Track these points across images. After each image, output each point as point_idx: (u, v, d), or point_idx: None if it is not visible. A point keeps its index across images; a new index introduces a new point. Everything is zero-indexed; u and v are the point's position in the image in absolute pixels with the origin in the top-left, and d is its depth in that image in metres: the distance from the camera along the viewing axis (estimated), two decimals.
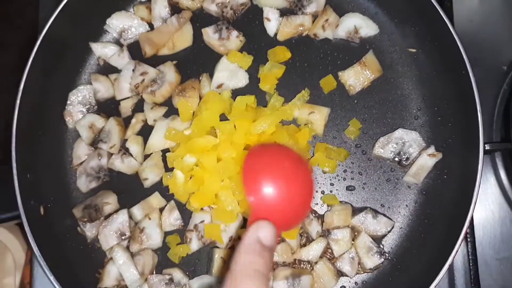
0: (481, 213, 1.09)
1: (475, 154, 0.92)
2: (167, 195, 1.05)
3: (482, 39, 1.16)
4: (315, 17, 1.09)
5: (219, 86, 1.07)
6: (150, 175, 1.05)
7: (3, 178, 0.99)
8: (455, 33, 0.95)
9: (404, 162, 1.04)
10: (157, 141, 1.06)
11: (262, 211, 0.70)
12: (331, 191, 1.04)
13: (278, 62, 1.08)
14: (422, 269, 0.97)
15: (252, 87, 1.07)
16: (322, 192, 1.04)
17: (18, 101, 0.98)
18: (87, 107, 1.09)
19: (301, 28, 1.08)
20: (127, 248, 1.03)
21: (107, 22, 1.10)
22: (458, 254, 1.03)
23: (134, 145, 1.06)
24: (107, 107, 1.10)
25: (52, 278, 0.92)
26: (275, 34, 1.10)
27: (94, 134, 1.07)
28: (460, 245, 0.90)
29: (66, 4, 1.01)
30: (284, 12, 1.10)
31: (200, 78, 1.09)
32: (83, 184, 1.06)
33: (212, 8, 1.10)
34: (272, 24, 1.09)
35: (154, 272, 1.03)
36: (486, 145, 0.98)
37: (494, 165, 1.12)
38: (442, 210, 1.00)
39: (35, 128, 1.04)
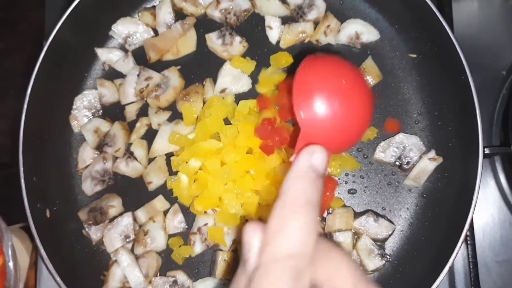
0: (481, 216, 1.11)
1: (474, 158, 0.94)
2: (171, 198, 1.06)
3: (482, 44, 1.17)
4: (316, 23, 1.11)
5: (223, 91, 1.09)
6: (154, 178, 1.06)
7: (10, 181, 1.01)
8: (455, 39, 0.96)
9: (404, 166, 1.05)
10: (161, 145, 1.07)
11: (314, 131, 0.62)
12: None
13: (280, 67, 1.09)
14: (423, 271, 0.98)
15: (255, 92, 1.09)
16: None
17: (25, 106, 0.99)
18: (92, 111, 1.11)
19: (303, 35, 1.10)
20: (132, 250, 1.05)
21: (112, 28, 1.12)
22: (458, 257, 1.05)
23: (139, 149, 1.08)
24: (112, 112, 1.11)
25: (58, 279, 0.93)
26: (277, 42, 1.12)
27: (99, 138, 1.09)
28: (460, 247, 0.91)
29: (73, 11, 1.02)
30: (286, 20, 1.12)
31: (204, 83, 1.10)
32: (88, 187, 1.07)
33: (216, 14, 1.12)
34: (274, 32, 1.11)
35: (158, 274, 1.04)
36: (485, 149, 1.00)
37: (494, 169, 1.13)
38: (443, 213, 1.01)
39: (42, 132, 1.05)
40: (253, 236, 0.54)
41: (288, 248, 0.52)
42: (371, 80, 1.08)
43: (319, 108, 0.62)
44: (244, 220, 1.03)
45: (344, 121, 0.63)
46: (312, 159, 0.58)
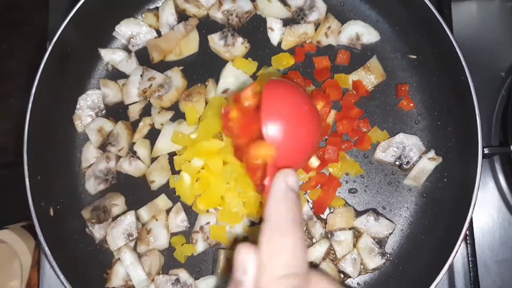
0: (480, 216, 1.12)
1: (474, 158, 0.95)
2: (174, 197, 1.07)
3: (481, 45, 1.18)
4: (317, 25, 1.12)
5: (225, 91, 1.10)
6: (157, 177, 1.07)
7: (14, 181, 1.02)
8: (454, 40, 0.97)
9: (404, 166, 1.06)
10: (164, 144, 1.08)
11: (283, 153, 0.66)
12: None
13: (282, 68, 1.10)
14: (422, 270, 0.99)
15: None
16: None
17: (29, 106, 1.00)
18: (96, 111, 1.12)
19: (304, 36, 1.11)
20: (134, 249, 1.06)
21: (116, 29, 1.13)
22: (458, 256, 1.06)
23: (142, 148, 1.09)
24: (116, 111, 1.13)
25: (62, 277, 0.94)
26: (279, 43, 1.13)
27: (103, 137, 1.10)
28: (459, 246, 0.92)
29: (77, 12, 1.04)
30: (287, 22, 1.13)
31: (206, 83, 1.12)
32: (92, 186, 1.09)
33: (218, 16, 1.13)
34: (276, 33, 1.12)
35: (161, 273, 1.05)
36: (484, 149, 1.01)
37: (493, 169, 1.14)
38: (442, 213, 1.02)
39: (46, 132, 1.06)
40: (247, 258, 0.57)
41: (286, 269, 0.55)
42: (374, 79, 1.09)
43: (287, 134, 0.66)
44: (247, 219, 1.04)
45: (305, 141, 0.70)
46: (288, 181, 0.62)
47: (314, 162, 1.03)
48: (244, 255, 0.57)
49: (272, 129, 0.66)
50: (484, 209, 1.12)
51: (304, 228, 1.04)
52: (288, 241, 0.56)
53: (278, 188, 0.61)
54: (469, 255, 1.04)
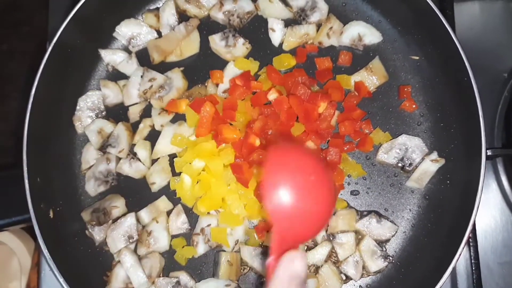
0: (483, 218, 1.11)
1: (477, 160, 0.94)
2: (174, 199, 1.06)
3: (483, 47, 1.18)
4: (319, 26, 1.12)
5: (226, 92, 1.09)
6: (158, 179, 1.06)
7: (14, 182, 1.01)
8: (457, 41, 0.97)
9: (407, 168, 1.05)
10: (164, 146, 1.07)
11: (289, 226, 0.62)
12: None
13: (283, 69, 1.10)
14: (425, 272, 0.98)
15: None
16: None
17: (29, 107, 0.99)
18: (96, 112, 1.11)
19: (306, 37, 1.10)
20: (135, 251, 1.05)
21: (116, 30, 1.13)
22: (460, 259, 1.04)
23: (142, 150, 1.08)
24: (116, 113, 1.12)
25: (62, 280, 0.93)
26: (280, 44, 1.12)
27: (103, 139, 1.09)
28: (463, 248, 0.91)
29: (77, 12, 1.03)
30: (288, 22, 1.12)
31: (207, 84, 1.11)
32: (92, 188, 1.08)
33: (219, 16, 1.12)
34: (277, 34, 1.12)
35: (161, 275, 1.04)
36: (487, 151, 1.00)
37: (496, 171, 1.13)
38: (445, 215, 1.02)
39: (45, 133, 1.05)
40: None
41: None
42: (376, 80, 1.08)
43: (287, 202, 0.61)
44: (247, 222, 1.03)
45: (314, 213, 0.64)
46: (293, 267, 0.57)
47: None
48: None
49: (274, 203, 0.61)
50: (487, 211, 1.11)
51: None
52: None
53: (283, 276, 0.56)
54: (472, 257, 1.03)
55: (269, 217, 0.62)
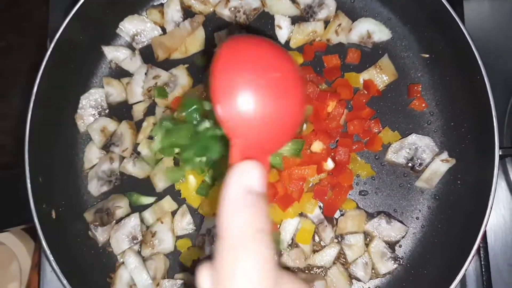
0: (492, 219, 1.09)
1: (490, 160, 0.92)
2: (179, 199, 1.04)
3: (492, 44, 1.16)
4: (326, 23, 1.10)
5: None
6: (162, 179, 1.04)
7: (14, 182, 0.99)
8: (470, 38, 0.95)
9: (417, 168, 1.04)
10: None
11: (249, 136, 0.51)
12: None
13: None
14: (436, 275, 0.97)
15: None
16: None
17: (31, 105, 0.97)
18: (98, 110, 1.09)
19: (314, 34, 1.08)
20: (139, 252, 1.03)
21: (119, 26, 1.10)
22: None
23: (146, 149, 1.06)
24: (119, 111, 1.10)
25: (65, 282, 0.91)
26: (286, 41, 1.10)
27: (106, 137, 1.07)
28: (475, 251, 0.89)
29: (79, 8, 1.01)
30: (296, 19, 1.10)
31: None
32: (95, 187, 1.06)
33: (225, 13, 1.10)
34: (284, 31, 1.10)
35: (166, 277, 1.02)
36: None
37: (505, 171, 1.12)
38: (456, 216, 1.00)
39: (47, 132, 1.03)
40: (204, 284, 0.46)
41: None
42: (385, 78, 1.06)
43: (246, 105, 0.49)
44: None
45: (280, 117, 0.52)
46: (245, 180, 0.46)
47: (330, 164, 1.00)
48: (201, 280, 0.46)
49: (228, 107, 0.49)
50: (496, 211, 1.10)
51: (313, 233, 1.01)
52: (249, 261, 0.43)
53: (232, 193, 0.46)
54: (482, 258, 1.02)
55: (224, 127, 0.50)
